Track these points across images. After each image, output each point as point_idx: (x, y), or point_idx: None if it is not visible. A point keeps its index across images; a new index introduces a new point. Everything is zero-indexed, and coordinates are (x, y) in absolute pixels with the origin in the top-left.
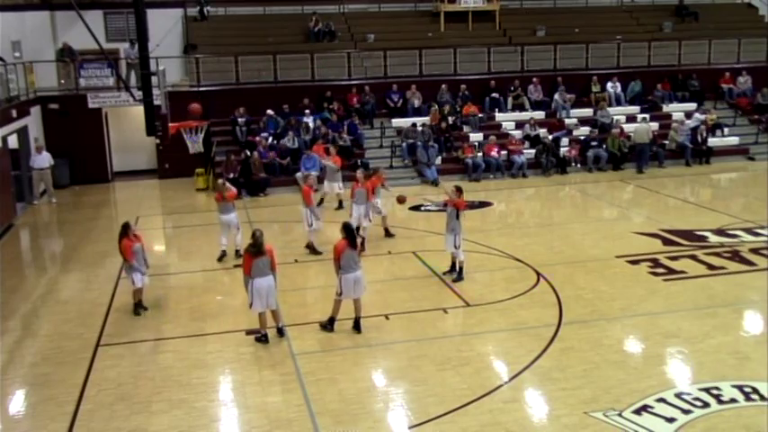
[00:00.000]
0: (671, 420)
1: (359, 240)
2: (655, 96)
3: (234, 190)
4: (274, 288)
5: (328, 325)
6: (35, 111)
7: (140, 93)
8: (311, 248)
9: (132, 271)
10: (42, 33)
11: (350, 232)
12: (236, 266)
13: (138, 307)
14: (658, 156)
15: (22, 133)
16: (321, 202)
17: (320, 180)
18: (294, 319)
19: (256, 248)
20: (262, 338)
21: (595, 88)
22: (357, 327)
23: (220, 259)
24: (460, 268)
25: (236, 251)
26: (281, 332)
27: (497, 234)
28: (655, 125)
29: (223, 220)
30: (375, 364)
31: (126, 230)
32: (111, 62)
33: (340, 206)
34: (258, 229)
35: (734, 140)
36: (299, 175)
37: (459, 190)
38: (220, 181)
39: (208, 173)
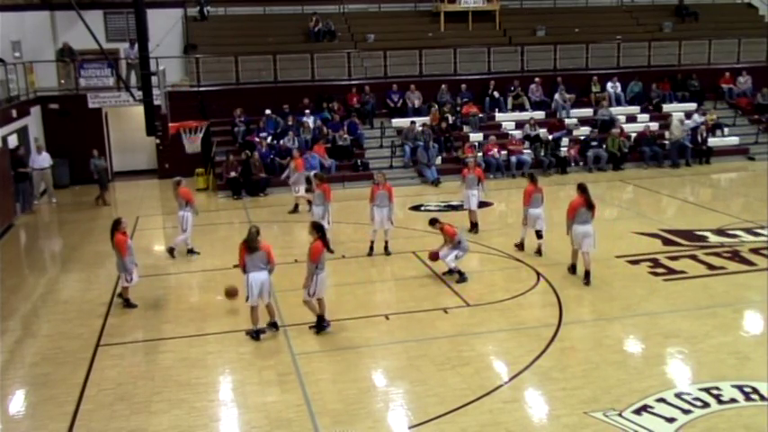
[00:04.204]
0: (671, 420)
1: (383, 244)
2: (651, 95)
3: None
4: (269, 283)
5: (326, 325)
6: (35, 111)
7: (140, 93)
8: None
9: (126, 267)
10: (42, 33)
11: (322, 231)
12: (236, 266)
13: (129, 303)
14: (657, 155)
15: (22, 133)
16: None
17: (287, 183)
18: (294, 319)
19: (249, 244)
20: (252, 334)
21: (595, 88)
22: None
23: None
24: (459, 271)
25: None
26: (274, 326)
27: (497, 234)
28: (655, 125)
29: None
30: (375, 364)
31: (118, 225)
32: (111, 62)
33: (295, 210)
34: (254, 225)
35: (734, 140)
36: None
37: (433, 222)
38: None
39: (208, 173)
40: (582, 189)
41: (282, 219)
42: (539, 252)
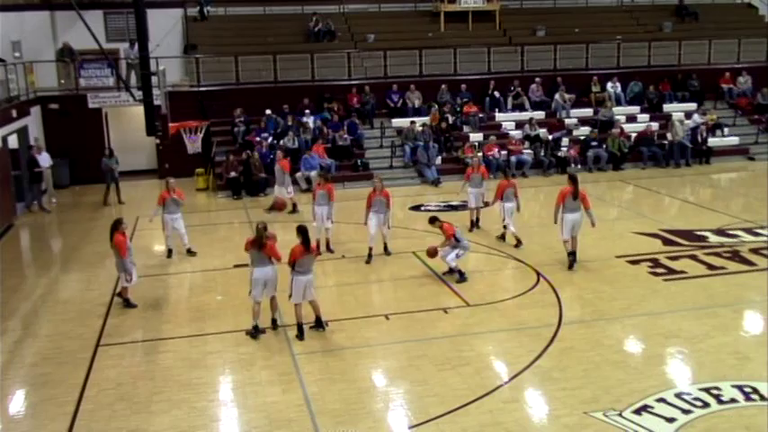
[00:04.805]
0: (671, 420)
1: (382, 245)
2: (648, 95)
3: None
4: (274, 278)
5: (300, 334)
6: (35, 111)
7: (140, 93)
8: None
9: (126, 267)
10: (42, 33)
11: (304, 235)
12: (236, 266)
13: (129, 303)
14: (657, 156)
15: (22, 133)
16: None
17: (271, 183)
18: (294, 319)
19: (255, 240)
20: (252, 331)
21: (595, 88)
22: (319, 325)
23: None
24: (459, 270)
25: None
26: (273, 323)
27: (497, 234)
28: (655, 125)
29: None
30: (375, 364)
31: (118, 225)
32: (111, 62)
33: (294, 210)
34: (261, 222)
35: (734, 140)
36: (298, 175)
37: (433, 220)
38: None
39: (208, 173)
40: (572, 179)
41: (283, 219)
42: (502, 237)
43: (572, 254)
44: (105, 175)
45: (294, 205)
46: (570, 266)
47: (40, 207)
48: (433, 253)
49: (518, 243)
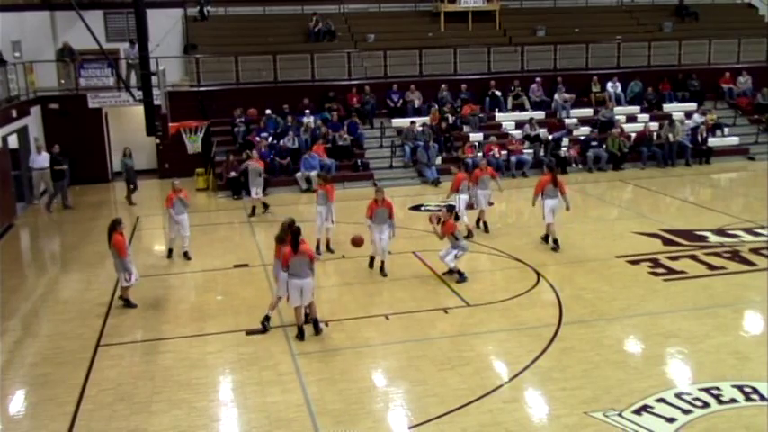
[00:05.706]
0: (671, 420)
1: (378, 264)
2: (648, 95)
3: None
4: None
5: (300, 335)
6: (35, 111)
7: (140, 93)
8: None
9: (126, 267)
10: (42, 33)
11: (293, 236)
12: (236, 266)
13: (129, 303)
14: (656, 156)
15: (22, 133)
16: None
17: (271, 183)
18: (294, 319)
19: (280, 237)
20: (262, 322)
21: (595, 88)
22: (316, 328)
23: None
24: (459, 271)
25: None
26: (313, 323)
27: (497, 234)
28: (655, 125)
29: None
30: (375, 364)
31: (116, 226)
32: (111, 62)
33: (253, 213)
34: (289, 217)
35: (734, 140)
36: (298, 175)
37: (450, 209)
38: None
39: (208, 173)
40: (550, 168)
41: (282, 219)
42: (478, 225)
43: (550, 239)
44: (127, 174)
45: (264, 205)
46: (552, 245)
47: (64, 204)
48: (357, 242)
49: (469, 234)
